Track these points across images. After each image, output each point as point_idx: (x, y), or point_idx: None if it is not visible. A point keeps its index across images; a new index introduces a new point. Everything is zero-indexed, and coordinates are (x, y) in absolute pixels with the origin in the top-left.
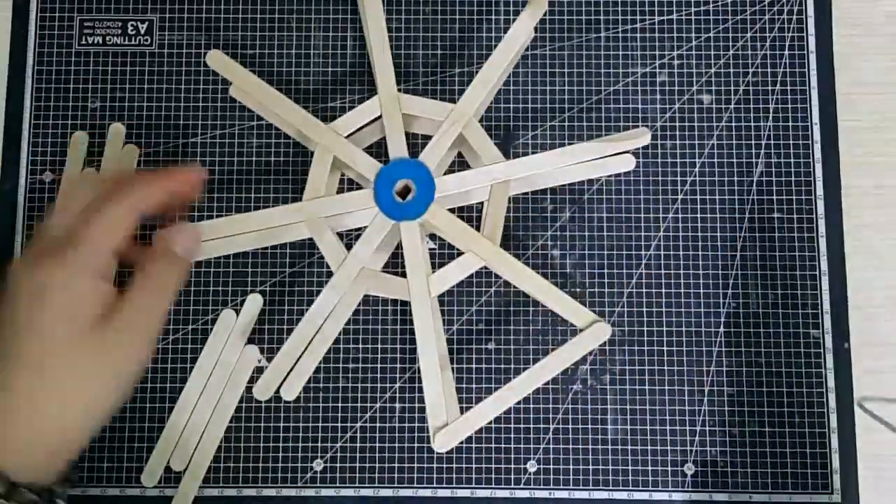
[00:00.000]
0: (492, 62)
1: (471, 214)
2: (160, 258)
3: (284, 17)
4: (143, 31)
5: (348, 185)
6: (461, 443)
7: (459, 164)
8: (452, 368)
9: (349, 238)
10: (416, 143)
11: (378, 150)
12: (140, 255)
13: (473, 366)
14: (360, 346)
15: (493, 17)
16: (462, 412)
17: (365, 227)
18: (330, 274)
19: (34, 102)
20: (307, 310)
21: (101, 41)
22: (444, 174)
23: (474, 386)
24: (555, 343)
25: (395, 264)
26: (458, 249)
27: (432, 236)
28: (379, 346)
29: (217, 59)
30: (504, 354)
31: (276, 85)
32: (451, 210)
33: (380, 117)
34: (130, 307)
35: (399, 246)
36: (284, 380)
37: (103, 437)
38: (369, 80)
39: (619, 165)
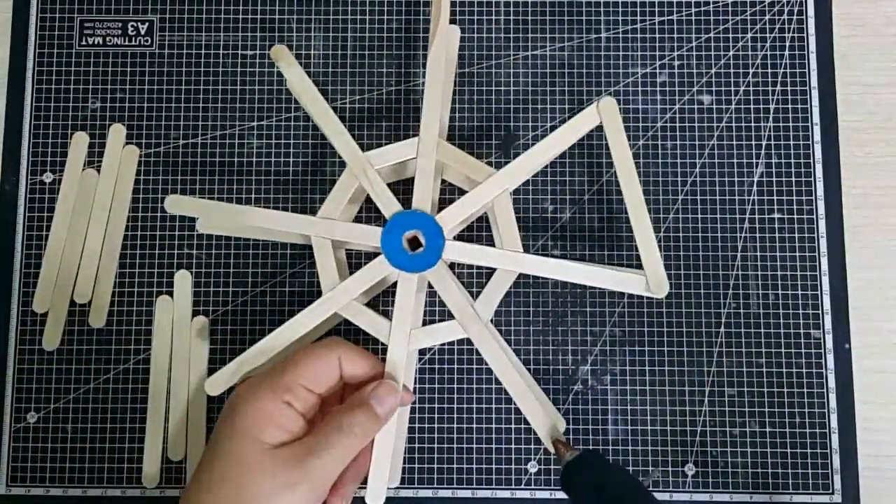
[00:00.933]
0: (547, 143)
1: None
2: (359, 409)
3: (285, 17)
4: (143, 32)
5: (376, 212)
6: (462, 443)
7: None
8: (453, 368)
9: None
10: (444, 195)
11: (404, 185)
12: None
13: (465, 366)
14: None
15: (557, 64)
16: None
17: (370, 253)
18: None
19: (34, 102)
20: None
21: (101, 41)
22: (464, 230)
23: (468, 386)
24: (555, 343)
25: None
26: (448, 310)
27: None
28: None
29: (281, 53)
30: (486, 374)
31: (278, 84)
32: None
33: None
34: (314, 441)
35: (394, 284)
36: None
37: (104, 438)
38: (369, 81)
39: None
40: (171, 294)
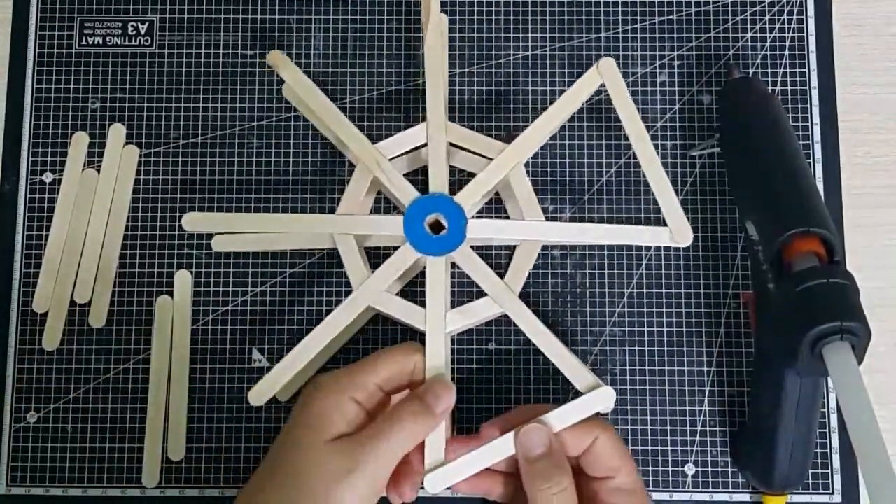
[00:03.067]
0: (553, 111)
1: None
2: (417, 403)
3: (284, 17)
4: (143, 32)
5: (385, 202)
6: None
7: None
8: (453, 369)
9: (375, 257)
10: (454, 177)
11: (414, 176)
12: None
13: (474, 366)
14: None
15: (557, 64)
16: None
17: (388, 248)
18: (337, 280)
19: (34, 102)
20: (307, 310)
21: (101, 41)
22: (479, 212)
23: (475, 386)
24: None
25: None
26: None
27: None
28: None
29: (278, 59)
30: (504, 355)
31: (278, 84)
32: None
33: (425, 145)
34: (370, 432)
35: (422, 274)
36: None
37: (104, 438)
38: (369, 81)
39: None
40: (171, 294)
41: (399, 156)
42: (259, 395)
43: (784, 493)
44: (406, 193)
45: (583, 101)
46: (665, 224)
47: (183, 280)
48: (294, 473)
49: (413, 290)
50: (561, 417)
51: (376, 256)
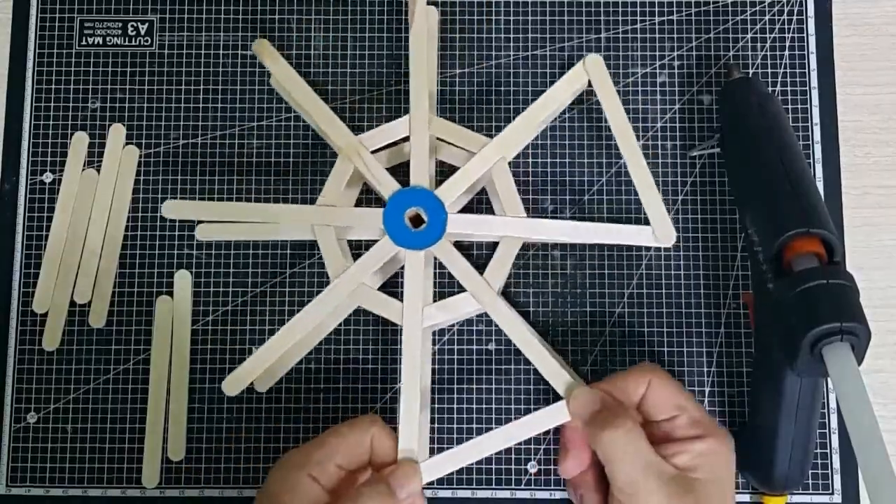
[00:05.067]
0: (536, 107)
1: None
2: (378, 490)
3: (285, 17)
4: (143, 32)
5: (368, 194)
6: (461, 443)
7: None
8: (452, 369)
9: (356, 248)
10: (441, 171)
11: (397, 168)
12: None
13: (474, 366)
14: (342, 356)
15: (557, 64)
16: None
17: (371, 241)
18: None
19: (34, 102)
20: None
21: (101, 41)
22: (464, 209)
23: (475, 386)
24: (555, 343)
25: (396, 282)
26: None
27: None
28: (361, 356)
29: (263, 48)
30: (505, 355)
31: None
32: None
33: (407, 138)
34: None
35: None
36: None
37: (104, 438)
38: (370, 82)
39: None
40: (171, 294)
41: (382, 149)
42: (232, 384)
43: (784, 493)
44: (387, 186)
45: (569, 98)
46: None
47: (183, 280)
48: None
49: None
50: (532, 425)
51: (358, 248)
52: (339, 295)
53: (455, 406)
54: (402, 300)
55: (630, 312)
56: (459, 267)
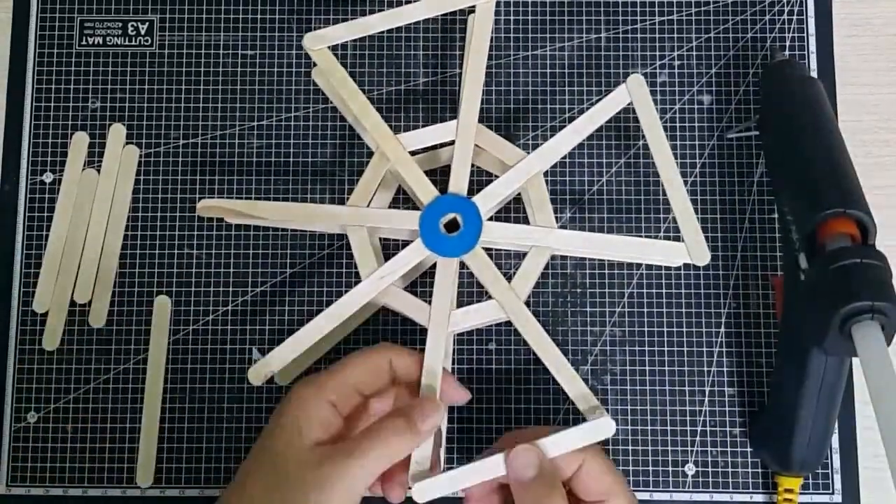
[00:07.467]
0: (578, 124)
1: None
2: (402, 421)
3: (285, 17)
4: (143, 32)
5: (403, 194)
6: (462, 444)
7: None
8: (453, 369)
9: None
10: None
11: (432, 176)
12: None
13: (474, 366)
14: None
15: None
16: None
17: (403, 242)
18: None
19: (34, 102)
20: (307, 310)
21: (101, 41)
22: (494, 216)
23: (475, 386)
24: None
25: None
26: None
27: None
28: None
29: (313, 38)
30: (505, 355)
31: (278, 84)
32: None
33: (451, 143)
34: (353, 445)
35: (432, 268)
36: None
37: (104, 438)
38: (397, 73)
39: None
40: (170, 294)
41: (416, 152)
42: (258, 374)
43: (800, 474)
44: (426, 191)
45: (609, 117)
46: (663, 233)
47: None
48: (276, 477)
49: (415, 286)
50: (557, 443)
51: (385, 248)
52: (369, 293)
53: (455, 405)
54: (426, 301)
55: (630, 312)
56: (488, 275)
